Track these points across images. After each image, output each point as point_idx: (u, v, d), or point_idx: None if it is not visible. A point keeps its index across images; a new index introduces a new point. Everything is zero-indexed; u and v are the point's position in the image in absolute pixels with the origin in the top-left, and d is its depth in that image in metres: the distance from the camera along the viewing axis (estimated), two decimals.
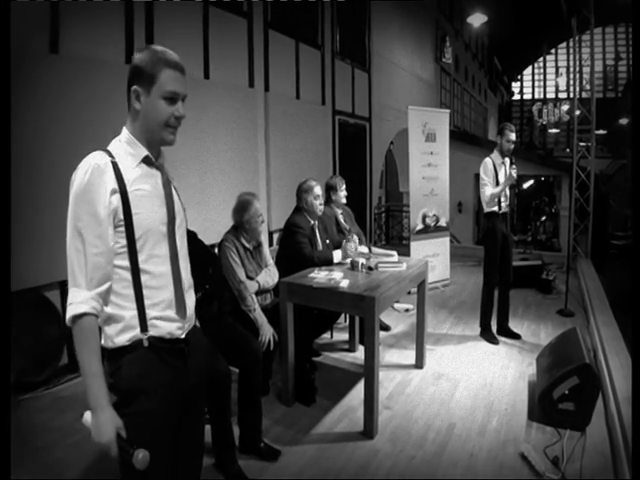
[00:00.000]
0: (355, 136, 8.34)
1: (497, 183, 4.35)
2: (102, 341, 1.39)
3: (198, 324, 1.69)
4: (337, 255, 3.66)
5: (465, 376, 3.80)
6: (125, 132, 1.45)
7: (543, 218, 14.13)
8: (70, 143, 3.65)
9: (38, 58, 3.54)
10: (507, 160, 4.40)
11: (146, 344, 1.40)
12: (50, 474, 2.59)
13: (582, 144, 7.50)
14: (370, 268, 3.45)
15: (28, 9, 3.46)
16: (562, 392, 2.98)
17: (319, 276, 3.21)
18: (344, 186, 4.39)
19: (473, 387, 3.62)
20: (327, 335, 4.55)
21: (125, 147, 1.43)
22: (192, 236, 2.83)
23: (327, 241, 3.94)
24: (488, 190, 4.31)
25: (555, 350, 3.46)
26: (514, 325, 4.71)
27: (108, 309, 1.38)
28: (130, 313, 1.38)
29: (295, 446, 2.84)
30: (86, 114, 3.79)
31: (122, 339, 1.38)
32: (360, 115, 8.48)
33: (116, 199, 1.35)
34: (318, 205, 3.76)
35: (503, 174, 4.37)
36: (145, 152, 1.44)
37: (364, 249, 4.05)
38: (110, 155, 1.39)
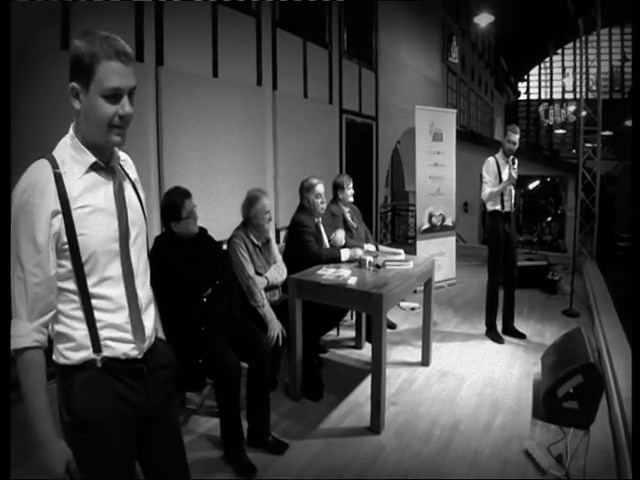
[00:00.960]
0: (362, 135, 8.36)
1: (500, 182, 4.38)
2: (53, 356, 1.31)
3: (161, 335, 1.60)
4: (345, 253, 3.70)
5: (470, 374, 3.83)
6: (71, 133, 1.30)
7: (549, 219, 14.12)
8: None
9: (49, 54, 3.58)
10: (511, 160, 4.42)
11: (99, 365, 1.29)
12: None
13: (588, 145, 7.49)
14: (377, 266, 3.49)
15: (40, 6, 3.51)
16: (566, 391, 3.01)
17: (327, 273, 3.24)
18: (351, 184, 4.42)
19: (478, 385, 3.65)
20: (333, 332, 4.59)
21: (71, 152, 1.28)
22: (203, 232, 2.87)
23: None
24: (488, 188, 4.38)
25: (560, 349, 3.48)
26: (519, 325, 4.73)
27: (58, 327, 1.28)
28: (81, 333, 1.28)
29: (302, 440, 2.89)
30: None
31: (74, 357, 1.28)
32: (367, 114, 8.50)
33: (58, 221, 1.22)
34: (320, 203, 3.79)
35: (507, 174, 4.39)
36: (92, 159, 1.28)
37: (371, 247, 4.08)
38: (54, 164, 1.24)
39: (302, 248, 3.60)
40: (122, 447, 1.34)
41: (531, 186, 13.85)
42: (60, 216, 1.22)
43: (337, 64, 7.49)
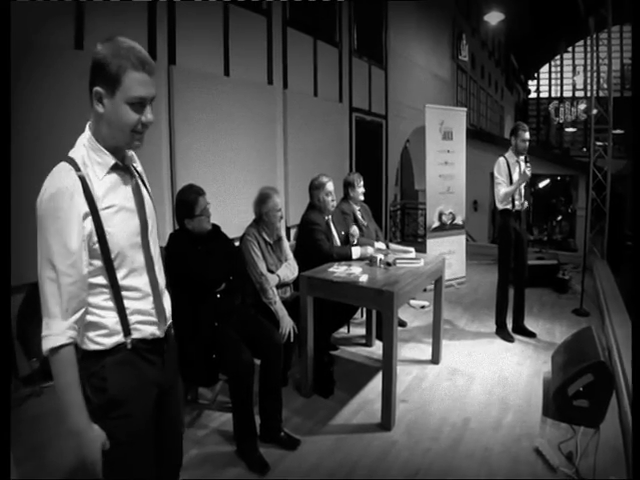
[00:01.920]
0: (371, 133, 8.37)
1: (511, 182, 4.38)
2: (81, 344, 1.36)
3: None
4: (355, 251, 3.72)
5: (480, 372, 3.84)
6: (89, 135, 1.36)
7: (559, 218, 14.04)
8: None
9: (64, 53, 3.63)
10: (521, 159, 4.43)
11: (129, 346, 1.40)
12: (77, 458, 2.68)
13: (599, 144, 7.46)
14: (388, 264, 3.51)
15: (54, 5, 3.56)
16: (577, 389, 3.01)
17: (338, 270, 3.27)
18: (362, 183, 4.45)
19: (488, 383, 3.66)
20: (344, 329, 4.62)
21: (90, 153, 1.34)
22: (216, 230, 2.90)
23: (342, 233, 4.00)
24: (502, 189, 4.35)
25: (570, 348, 3.48)
26: (529, 323, 4.73)
27: (89, 317, 1.35)
28: (112, 320, 1.37)
29: (314, 436, 2.92)
30: None
31: (106, 342, 1.37)
32: (377, 112, 8.51)
33: (89, 223, 1.29)
34: (330, 201, 3.83)
35: (517, 173, 4.39)
36: (112, 160, 1.36)
37: (382, 245, 4.10)
38: (77, 167, 1.30)
39: (313, 246, 3.63)
40: (147, 421, 1.46)
41: (541, 185, 13.75)
42: (90, 217, 1.29)
43: (347, 63, 7.51)
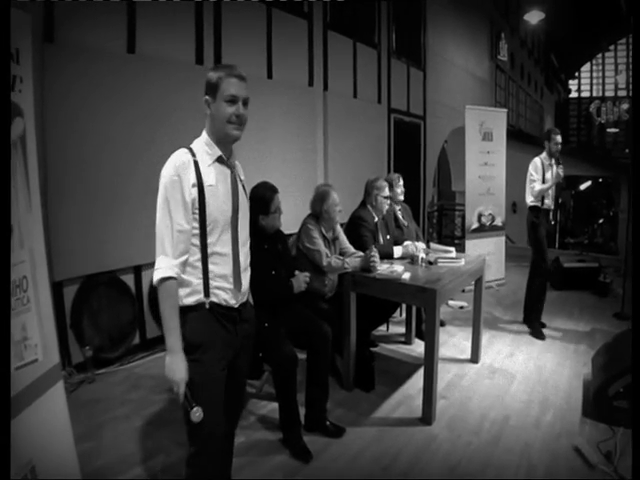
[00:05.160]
0: (410, 134, 8.40)
1: (544, 182, 4.62)
2: None
3: (252, 303, 2.01)
4: (397, 251, 3.79)
5: (520, 372, 3.86)
6: (204, 134, 1.77)
7: (600, 221, 13.70)
8: (149, 139, 3.94)
9: (117, 58, 3.83)
10: (553, 161, 4.66)
11: (207, 307, 1.72)
12: (130, 441, 2.85)
13: None
14: (430, 262, 3.57)
15: (107, 12, 3.76)
16: (617, 390, 3.02)
17: (381, 268, 3.34)
18: (401, 182, 4.53)
19: (528, 383, 3.68)
20: (383, 327, 4.69)
21: (203, 147, 1.74)
22: (282, 234, 3.04)
23: (388, 237, 4.08)
24: (537, 186, 4.62)
25: (611, 349, 3.48)
26: (570, 326, 4.73)
27: (182, 275, 1.68)
28: (197, 281, 1.70)
29: (357, 427, 3.01)
30: (162, 110, 4.06)
31: (189, 300, 1.70)
32: (415, 113, 8.52)
33: (195, 191, 1.66)
34: (385, 203, 3.96)
35: (550, 175, 4.63)
36: (219, 152, 1.75)
37: (422, 245, 4.16)
38: (192, 153, 1.70)
39: (359, 241, 3.71)
40: (218, 368, 1.75)
41: (582, 187, 13.47)
42: (196, 188, 1.67)
43: (386, 64, 7.57)
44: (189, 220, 1.66)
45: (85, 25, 3.62)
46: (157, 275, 1.63)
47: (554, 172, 4.61)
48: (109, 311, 3.98)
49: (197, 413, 1.61)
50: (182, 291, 1.69)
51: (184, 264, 1.67)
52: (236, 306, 1.80)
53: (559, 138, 4.65)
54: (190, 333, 1.68)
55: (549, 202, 4.70)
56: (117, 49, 3.87)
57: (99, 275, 3.86)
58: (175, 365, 1.62)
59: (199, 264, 1.70)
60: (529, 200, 4.74)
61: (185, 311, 1.69)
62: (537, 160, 4.70)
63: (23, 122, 1.88)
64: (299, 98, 5.68)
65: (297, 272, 2.97)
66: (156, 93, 4.03)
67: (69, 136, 3.52)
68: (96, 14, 3.68)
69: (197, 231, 1.68)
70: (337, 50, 6.36)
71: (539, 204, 4.66)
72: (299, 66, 5.77)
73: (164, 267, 1.63)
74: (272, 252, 2.88)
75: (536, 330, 4.67)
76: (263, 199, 2.75)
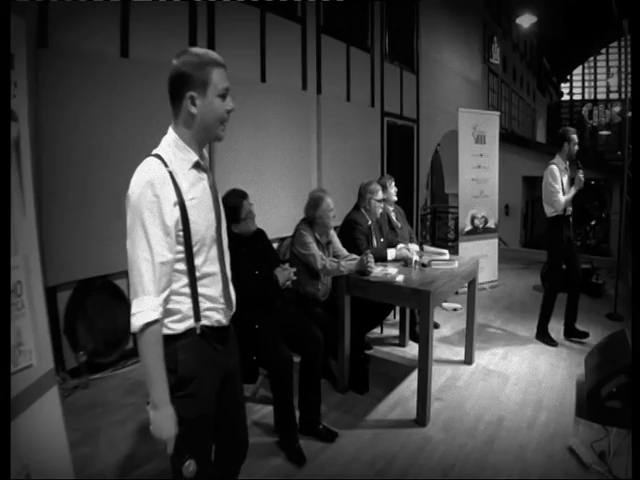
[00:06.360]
0: (403, 137, 8.44)
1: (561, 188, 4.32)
2: None
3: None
4: (391, 252, 3.81)
5: (514, 373, 3.89)
6: (174, 136, 1.50)
7: (593, 222, 13.76)
8: (143, 144, 3.92)
9: (110, 63, 3.85)
10: (568, 164, 4.39)
11: (198, 332, 1.50)
12: (125, 446, 2.83)
13: None
14: (423, 265, 3.59)
15: (101, 16, 3.77)
16: (610, 390, 3.05)
17: (375, 271, 3.36)
18: (393, 183, 4.57)
19: (522, 384, 3.70)
20: (377, 330, 4.71)
21: (175, 152, 1.47)
22: (261, 233, 3.02)
23: (382, 240, 4.10)
24: (562, 197, 4.25)
25: (603, 350, 3.51)
26: (560, 327, 4.74)
27: (166, 305, 1.44)
28: (187, 306, 1.48)
29: (351, 430, 3.02)
30: (156, 114, 4.06)
31: (179, 327, 1.47)
32: (408, 117, 8.57)
33: (177, 210, 1.41)
34: (379, 207, 3.97)
35: (566, 179, 4.35)
36: (195, 157, 1.50)
37: (415, 247, 4.18)
38: (165, 163, 1.43)
39: (353, 245, 3.73)
40: (211, 401, 1.56)
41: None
42: (178, 206, 1.42)
43: (379, 67, 7.63)
44: (172, 248, 1.41)
45: (79, 30, 3.63)
46: (139, 320, 1.35)
47: (570, 177, 4.29)
48: (103, 316, 3.97)
49: (190, 468, 1.40)
50: (167, 319, 1.45)
51: (167, 297, 1.44)
52: (227, 324, 1.63)
53: (577, 138, 4.33)
54: (181, 366, 1.46)
55: (569, 209, 4.37)
56: (111, 53, 3.88)
57: (93, 280, 3.85)
58: (164, 422, 1.39)
59: (187, 289, 1.48)
60: (550, 212, 4.35)
61: (172, 339, 1.46)
62: (554, 168, 4.28)
63: (17, 127, 1.88)
64: (292, 102, 5.70)
65: (284, 265, 2.95)
66: (150, 97, 4.02)
67: (63, 141, 3.51)
68: (90, 19, 3.69)
69: (182, 255, 1.45)
70: (330, 54, 6.39)
71: (561, 213, 4.30)
72: (292, 70, 5.80)
73: (147, 309, 1.36)
74: (252, 253, 2.87)
75: (546, 337, 4.57)
76: (232, 207, 2.71)
